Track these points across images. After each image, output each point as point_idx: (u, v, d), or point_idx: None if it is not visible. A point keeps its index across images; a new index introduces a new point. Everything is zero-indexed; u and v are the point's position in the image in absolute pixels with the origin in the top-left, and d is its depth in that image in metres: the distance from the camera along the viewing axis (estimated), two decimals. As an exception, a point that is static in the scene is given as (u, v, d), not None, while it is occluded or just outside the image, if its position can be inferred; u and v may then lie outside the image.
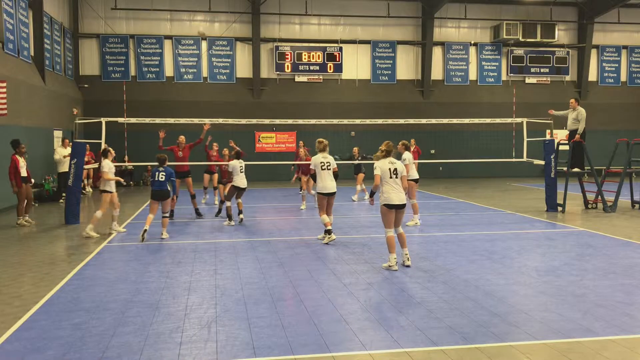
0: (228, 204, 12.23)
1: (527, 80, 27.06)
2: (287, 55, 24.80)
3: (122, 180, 12.05)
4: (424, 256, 8.69)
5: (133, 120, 15.20)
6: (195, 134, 14.51)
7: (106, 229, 11.27)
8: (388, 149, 8.05)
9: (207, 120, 14.77)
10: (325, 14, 25.17)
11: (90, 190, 19.56)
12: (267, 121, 17.27)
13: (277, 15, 24.79)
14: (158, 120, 15.38)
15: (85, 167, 14.26)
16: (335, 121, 16.69)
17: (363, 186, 16.58)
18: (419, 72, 26.15)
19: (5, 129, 14.44)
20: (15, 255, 9.19)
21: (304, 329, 5.38)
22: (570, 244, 9.67)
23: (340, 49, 25.30)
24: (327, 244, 9.77)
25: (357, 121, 18.07)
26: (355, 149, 17.16)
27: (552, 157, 13.91)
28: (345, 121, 17.81)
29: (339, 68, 25.26)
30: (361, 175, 16.74)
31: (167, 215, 10.59)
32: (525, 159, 15.23)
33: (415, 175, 11.91)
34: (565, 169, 14.09)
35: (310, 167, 10.14)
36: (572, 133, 14.09)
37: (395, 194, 7.78)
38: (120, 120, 14.67)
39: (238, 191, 12.24)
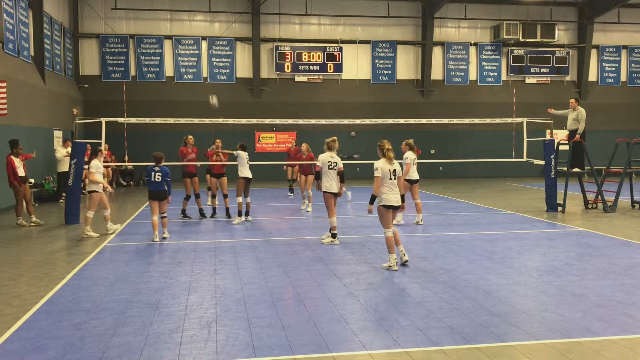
0: (239, 199, 12.26)
1: (527, 80, 27.06)
2: (287, 55, 24.80)
3: (107, 186, 11.56)
4: (424, 256, 8.69)
5: (133, 120, 15.20)
6: (196, 134, 14.44)
7: (103, 230, 11.21)
8: (387, 148, 8.04)
9: (207, 120, 14.77)
10: (325, 14, 25.17)
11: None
12: (267, 121, 17.27)
13: (277, 15, 24.79)
14: (158, 120, 15.39)
15: (85, 167, 14.24)
16: (335, 121, 16.68)
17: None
18: (419, 72, 26.16)
19: (5, 129, 14.44)
20: (15, 255, 9.19)
21: (304, 329, 5.38)
22: (570, 244, 9.67)
23: (340, 49, 25.30)
24: (325, 244, 9.75)
25: (357, 121, 18.07)
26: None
27: (552, 157, 13.91)
28: (345, 121, 17.81)
29: (339, 68, 25.26)
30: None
31: (166, 215, 10.58)
32: (525, 159, 15.23)
33: (416, 176, 11.89)
34: (565, 169, 14.09)
35: (317, 164, 10.09)
36: (572, 133, 14.09)
37: (393, 195, 7.86)
38: (120, 120, 14.67)
39: (246, 184, 12.34)
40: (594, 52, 27.38)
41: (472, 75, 26.71)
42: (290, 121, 16.04)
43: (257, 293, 6.67)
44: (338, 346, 4.95)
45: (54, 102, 19.22)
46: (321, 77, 25.28)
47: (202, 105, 23.78)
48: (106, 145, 16.43)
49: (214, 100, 16.55)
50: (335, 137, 10.27)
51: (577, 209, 14.39)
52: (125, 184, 22.87)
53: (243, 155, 12.37)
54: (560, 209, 13.85)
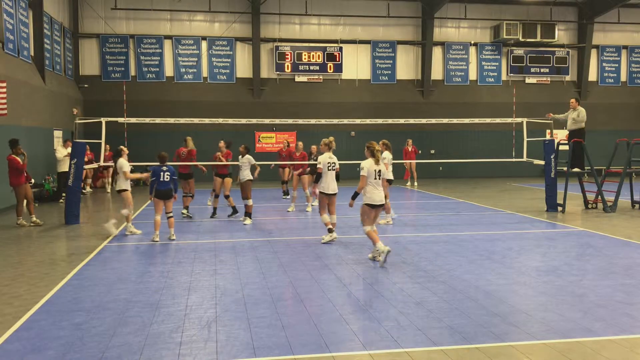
0: (250, 202, 12.23)
1: (527, 80, 27.05)
2: (287, 55, 24.80)
3: (142, 177, 11.67)
4: (424, 256, 8.69)
5: (133, 120, 15.20)
6: (196, 134, 14.47)
7: (124, 231, 11.09)
8: (376, 149, 8.33)
9: (207, 120, 14.77)
10: (325, 14, 25.17)
11: (90, 190, 19.57)
12: (267, 121, 17.27)
13: (277, 15, 24.79)
14: (158, 120, 15.39)
15: (85, 167, 14.25)
16: (335, 121, 16.66)
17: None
18: (419, 72, 26.15)
19: (5, 129, 14.44)
20: (15, 255, 9.19)
21: (304, 329, 5.38)
22: (570, 244, 9.67)
23: (340, 49, 25.30)
24: (326, 243, 9.78)
25: (357, 121, 18.09)
26: (314, 147, 14.93)
27: (552, 157, 13.90)
28: (345, 121, 17.81)
29: (339, 68, 25.25)
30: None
31: (172, 214, 10.56)
32: (525, 159, 15.23)
33: (391, 176, 11.93)
34: (565, 169, 14.09)
35: (318, 166, 10.14)
36: (572, 133, 14.09)
37: (376, 194, 8.24)
38: (120, 120, 14.66)
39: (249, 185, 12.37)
40: (594, 52, 27.38)
41: (472, 75, 26.70)
42: (290, 121, 16.03)
43: (257, 293, 6.67)
44: (338, 346, 4.95)
45: (54, 102, 19.22)
46: (321, 77, 25.28)
47: (202, 105, 23.82)
48: (107, 146, 16.44)
49: None
50: (332, 138, 10.37)
51: (577, 209, 14.39)
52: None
53: (251, 158, 12.41)
54: (560, 209, 13.84)
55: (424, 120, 16.35)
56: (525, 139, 15.11)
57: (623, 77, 27.88)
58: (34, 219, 12.36)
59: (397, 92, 25.85)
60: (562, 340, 5.07)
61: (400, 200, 17.30)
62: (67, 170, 13.24)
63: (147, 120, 15.05)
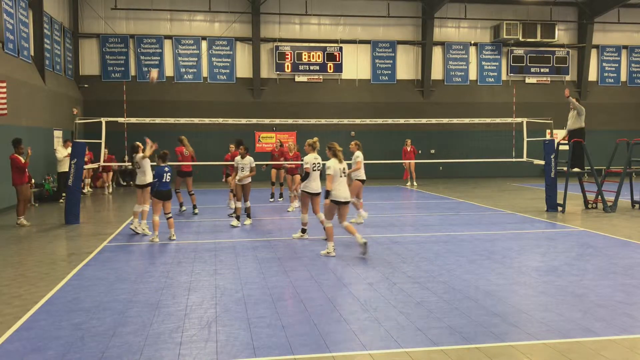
0: (248, 204, 12.20)
1: (527, 80, 27.04)
2: (287, 55, 24.80)
3: (154, 146, 11.71)
4: (424, 256, 8.70)
5: (133, 120, 15.20)
6: (196, 134, 14.47)
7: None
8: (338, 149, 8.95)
9: (207, 120, 14.74)
10: (325, 14, 25.16)
11: (90, 190, 19.57)
12: (267, 121, 17.25)
13: (277, 15, 24.78)
14: (158, 120, 15.38)
15: (85, 167, 14.25)
16: (335, 121, 16.66)
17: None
18: (419, 72, 26.15)
19: (5, 129, 14.44)
20: (15, 255, 9.19)
21: (304, 329, 5.38)
22: (570, 244, 9.67)
23: (340, 49, 25.29)
24: (298, 239, 10.18)
25: (357, 121, 18.07)
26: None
27: (552, 157, 13.91)
28: (345, 121, 17.80)
29: (339, 68, 25.25)
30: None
31: (171, 215, 10.55)
32: (525, 159, 15.23)
33: (363, 176, 11.92)
34: (565, 169, 14.09)
35: (305, 166, 10.14)
36: (572, 133, 14.08)
37: (342, 191, 8.79)
38: (120, 120, 14.66)
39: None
40: (593, 52, 27.37)
41: (472, 75, 26.69)
42: (290, 121, 16.03)
43: (257, 293, 6.67)
44: (338, 346, 4.95)
45: (54, 102, 19.21)
46: (321, 77, 25.27)
47: (202, 105, 23.81)
48: (106, 150, 16.40)
49: (152, 74, 15.41)
50: (317, 138, 10.49)
51: (577, 209, 14.39)
52: (125, 184, 22.85)
53: (252, 160, 12.22)
54: (560, 209, 13.84)
55: (424, 120, 16.35)
56: (525, 139, 15.11)
57: (623, 77, 27.87)
58: (21, 220, 12.29)
59: (397, 92, 25.85)
60: (562, 340, 5.07)
61: (400, 200, 17.31)
62: (67, 170, 13.23)
63: (147, 120, 15.05)
